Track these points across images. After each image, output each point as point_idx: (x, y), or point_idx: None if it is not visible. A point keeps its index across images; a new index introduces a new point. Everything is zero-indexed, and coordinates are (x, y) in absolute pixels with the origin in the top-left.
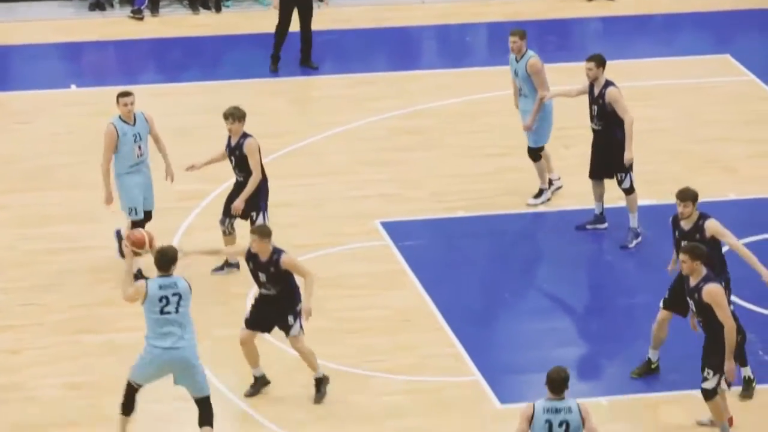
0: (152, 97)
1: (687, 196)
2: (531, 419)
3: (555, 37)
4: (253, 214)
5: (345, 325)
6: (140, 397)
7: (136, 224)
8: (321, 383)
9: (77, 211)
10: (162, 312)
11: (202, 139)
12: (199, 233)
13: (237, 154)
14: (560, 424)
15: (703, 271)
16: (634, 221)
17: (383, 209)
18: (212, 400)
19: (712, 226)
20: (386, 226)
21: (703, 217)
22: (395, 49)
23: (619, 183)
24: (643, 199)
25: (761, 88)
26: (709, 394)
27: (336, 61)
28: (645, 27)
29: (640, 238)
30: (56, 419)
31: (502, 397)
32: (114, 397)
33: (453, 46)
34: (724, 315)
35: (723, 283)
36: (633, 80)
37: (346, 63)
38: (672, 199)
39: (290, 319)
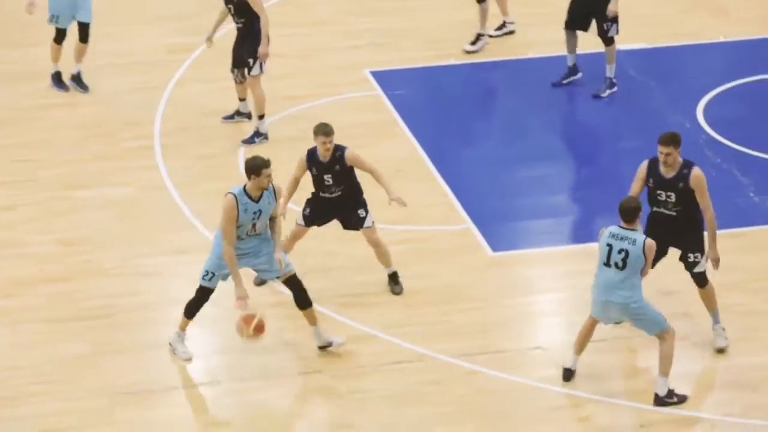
0: None
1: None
2: (599, 240)
3: None
4: (250, 60)
5: None
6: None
7: (59, 33)
8: (396, 276)
9: (67, 67)
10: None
11: None
12: (191, 84)
13: (235, 1)
14: (619, 251)
15: (680, 158)
16: (611, 71)
17: (373, 59)
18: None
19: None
20: (376, 75)
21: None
22: None
23: (605, 32)
24: (633, 42)
25: None
26: (703, 279)
27: None
28: None
29: (615, 88)
30: (51, 274)
31: (495, 245)
32: (107, 251)
33: None
34: (706, 202)
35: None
36: None
37: None
38: (662, 42)
39: (361, 212)
